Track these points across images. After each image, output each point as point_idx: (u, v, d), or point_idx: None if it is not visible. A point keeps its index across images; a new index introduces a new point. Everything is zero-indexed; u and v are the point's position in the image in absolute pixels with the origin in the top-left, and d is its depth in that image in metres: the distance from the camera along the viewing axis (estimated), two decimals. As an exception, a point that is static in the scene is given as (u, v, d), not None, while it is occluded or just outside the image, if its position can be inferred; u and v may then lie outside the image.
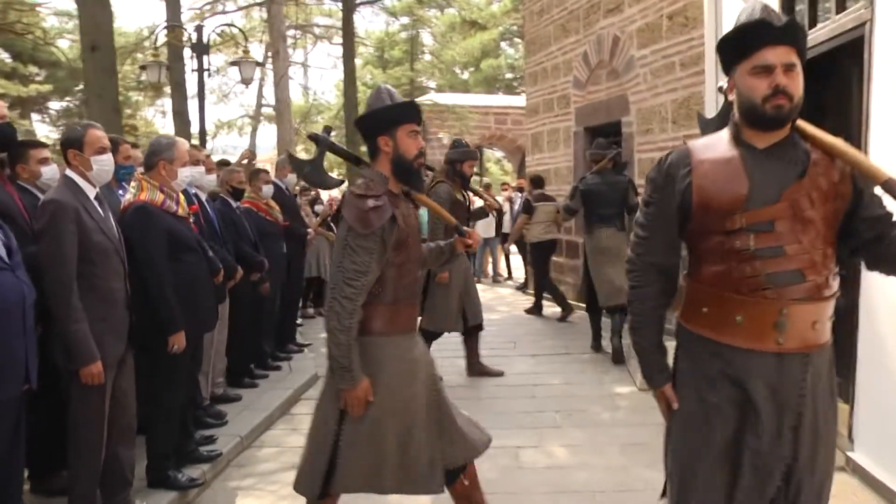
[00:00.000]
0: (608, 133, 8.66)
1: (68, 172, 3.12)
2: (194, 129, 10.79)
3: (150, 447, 3.76)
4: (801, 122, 1.99)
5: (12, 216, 3.12)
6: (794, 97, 1.90)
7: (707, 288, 2.01)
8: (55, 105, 22.04)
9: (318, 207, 10.08)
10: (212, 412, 4.85)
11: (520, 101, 19.96)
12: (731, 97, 2.02)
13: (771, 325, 1.91)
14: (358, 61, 15.30)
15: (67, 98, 21.76)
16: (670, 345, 2.17)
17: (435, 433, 2.68)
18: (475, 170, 6.13)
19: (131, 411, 3.42)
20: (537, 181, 9.66)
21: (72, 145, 3.11)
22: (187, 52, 10.87)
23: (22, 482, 2.75)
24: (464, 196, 5.96)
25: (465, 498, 2.79)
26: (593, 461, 4.21)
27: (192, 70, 10.02)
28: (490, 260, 13.36)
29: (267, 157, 20.20)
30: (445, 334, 5.98)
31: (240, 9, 21.35)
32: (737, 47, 1.95)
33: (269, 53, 17.70)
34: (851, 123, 4.04)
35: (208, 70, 10.09)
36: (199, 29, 10.33)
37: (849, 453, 3.73)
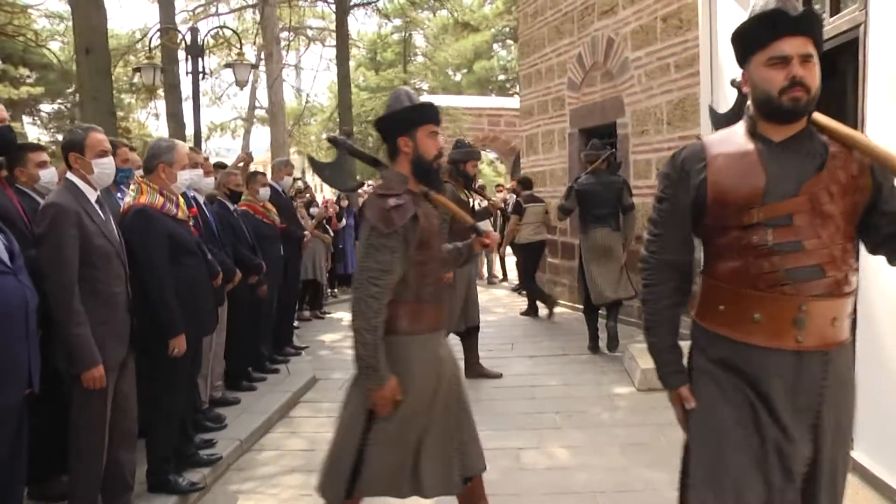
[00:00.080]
0: (603, 135, 8.69)
1: (69, 176, 3.11)
2: (189, 131, 10.78)
3: (150, 451, 3.75)
4: (817, 115, 1.95)
5: (12, 220, 3.11)
6: (812, 89, 1.86)
7: (723, 285, 1.96)
8: (46, 107, 21.93)
9: (313, 210, 10.06)
10: (211, 416, 4.84)
11: (513, 102, 20.01)
12: (746, 90, 1.97)
13: (790, 321, 1.86)
14: (350, 63, 15.27)
15: (59, 100, 21.64)
16: (683, 344, 2.14)
17: (455, 434, 2.69)
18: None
19: (132, 415, 3.41)
20: (526, 183, 9.76)
21: (73, 148, 3.11)
22: (181, 55, 10.85)
23: (24, 487, 2.74)
24: (467, 196, 5.96)
25: (469, 501, 2.80)
26: (593, 462, 4.22)
27: (187, 73, 9.99)
28: (485, 261, 13.36)
29: (261, 159, 20.19)
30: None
31: (232, 11, 21.32)
32: (752, 38, 1.91)
33: (263, 55, 17.66)
34: (846, 125, 4.06)
35: (203, 72, 10.06)
36: (193, 31, 10.29)
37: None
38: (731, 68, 5.60)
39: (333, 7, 15.68)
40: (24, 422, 2.67)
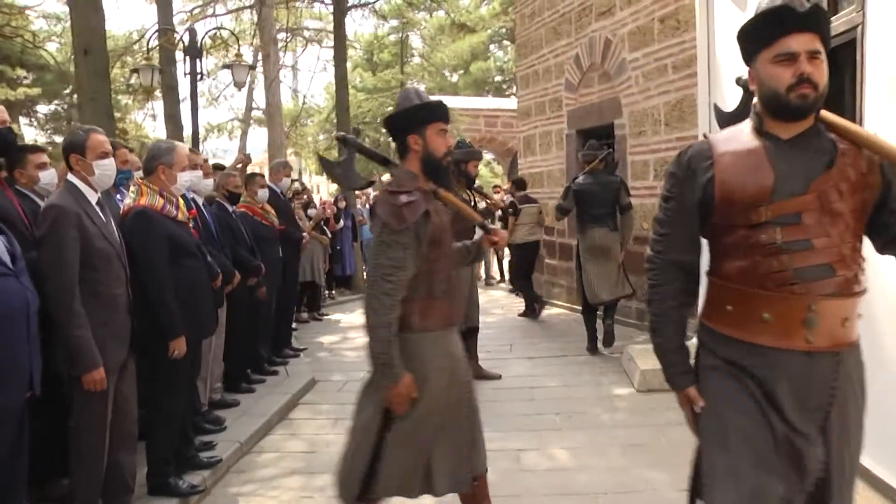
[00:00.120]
0: (600, 135, 8.70)
1: (70, 177, 3.11)
2: (186, 132, 10.76)
3: (150, 453, 3.74)
4: (825, 112, 1.93)
5: (12, 221, 3.10)
6: (819, 85, 1.84)
7: (731, 285, 1.93)
8: (43, 108, 21.91)
9: (311, 211, 10.05)
10: (210, 418, 4.83)
11: (510, 103, 20.03)
12: (753, 88, 1.95)
13: (800, 321, 1.83)
14: (347, 64, 15.26)
15: (56, 101, 21.61)
16: (689, 344, 2.12)
17: (468, 432, 2.70)
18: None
19: (132, 417, 3.41)
20: (520, 183, 9.83)
21: (74, 150, 3.11)
22: (179, 56, 10.83)
23: (25, 489, 2.73)
24: (469, 196, 5.96)
25: (474, 501, 2.80)
26: (594, 463, 4.22)
27: (185, 74, 9.97)
28: (483, 263, 13.37)
29: (258, 160, 20.15)
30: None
31: (230, 12, 21.28)
32: (758, 35, 1.88)
33: (260, 57, 17.65)
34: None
35: (201, 74, 10.05)
36: (191, 32, 10.28)
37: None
38: (728, 69, 5.62)
39: (331, 8, 15.66)
40: (25, 423, 2.67)
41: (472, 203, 6.13)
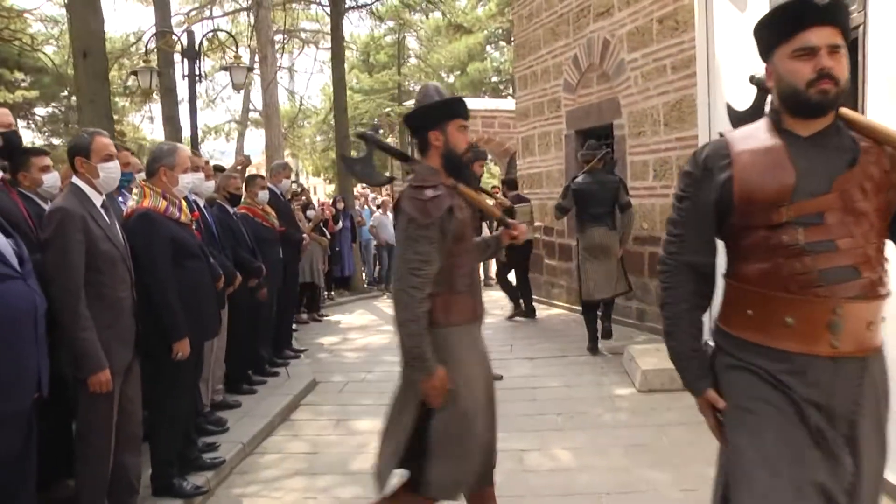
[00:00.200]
0: (599, 136, 8.71)
1: (75, 180, 3.11)
2: (185, 134, 10.75)
3: (154, 454, 3.75)
4: (844, 109, 1.87)
5: (17, 224, 3.10)
6: (840, 81, 1.77)
7: (751, 287, 1.86)
8: (41, 111, 21.91)
9: (309, 212, 10.06)
10: (212, 419, 4.84)
11: (507, 104, 20.03)
12: (770, 84, 1.89)
13: (824, 325, 1.76)
14: (344, 66, 15.29)
15: (53, 104, 21.61)
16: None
17: (494, 427, 2.71)
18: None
19: (137, 419, 3.41)
20: (511, 183, 9.92)
21: (79, 153, 3.11)
22: (177, 57, 10.84)
23: (33, 491, 2.73)
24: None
25: (481, 501, 2.81)
26: (597, 463, 4.23)
27: (184, 76, 9.97)
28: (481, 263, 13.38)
29: (255, 162, 20.12)
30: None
31: (226, 14, 21.28)
32: (776, 29, 1.83)
33: (257, 58, 17.64)
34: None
35: (199, 76, 10.05)
36: (189, 34, 10.28)
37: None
38: (728, 69, 5.64)
39: (328, 10, 15.66)
40: (33, 425, 2.68)
41: None
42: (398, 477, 2.76)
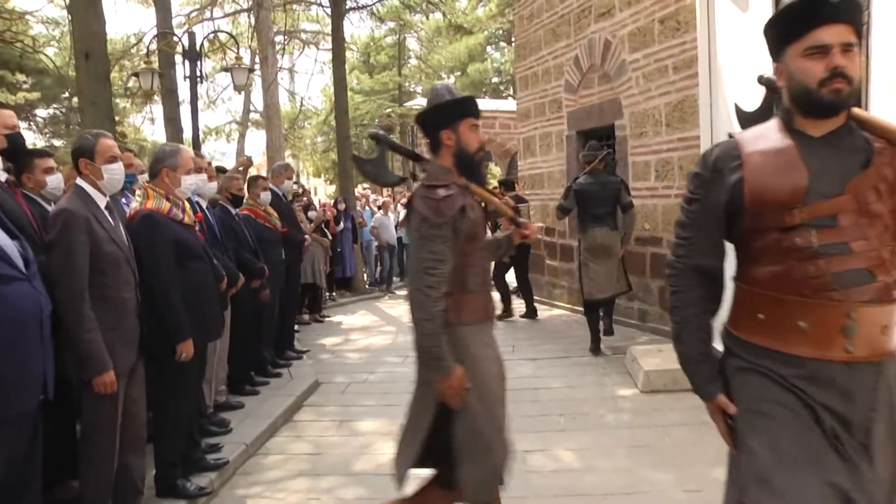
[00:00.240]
0: (601, 136, 8.72)
1: (79, 182, 3.12)
2: (186, 135, 10.77)
3: (157, 455, 3.75)
4: (856, 109, 1.84)
5: (22, 225, 3.11)
6: (853, 80, 1.73)
7: (762, 291, 1.82)
8: (42, 112, 21.93)
9: (311, 213, 10.07)
10: (215, 420, 4.84)
11: (507, 105, 20.04)
12: (781, 84, 1.85)
13: (838, 330, 1.72)
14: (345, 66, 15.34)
15: (54, 105, 21.65)
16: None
17: (507, 426, 2.71)
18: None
19: (141, 420, 3.42)
20: (508, 184, 9.94)
21: (83, 154, 3.12)
22: (178, 59, 10.85)
23: (39, 492, 2.74)
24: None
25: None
26: (600, 464, 4.23)
27: (185, 77, 9.98)
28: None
29: (256, 163, 20.13)
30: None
31: (227, 15, 21.30)
32: (788, 27, 1.79)
33: (258, 59, 17.67)
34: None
35: (200, 77, 10.06)
36: (191, 36, 10.29)
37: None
38: (729, 70, 5.64)
39: (328, 11, 15.68)
40: (39, 427, 2.68)
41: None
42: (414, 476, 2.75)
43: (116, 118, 20.18)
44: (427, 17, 27.72)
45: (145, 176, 4.24)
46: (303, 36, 23.85)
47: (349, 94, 19.57)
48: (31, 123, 21.65)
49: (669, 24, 7.57)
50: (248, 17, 19.81)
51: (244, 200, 6.09)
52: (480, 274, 2.70)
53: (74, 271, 2.95)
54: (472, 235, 2.61)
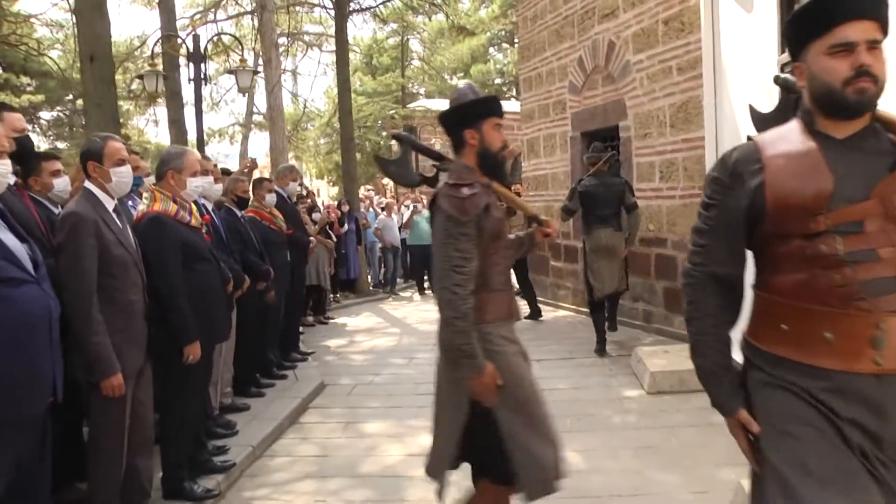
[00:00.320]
0: (605, 138, 8.72)
1: (87, 185, 3.13)
2: (191, 137, 10.78)
3: (164, 457, 3.76)
4: (881, 110, 1.76)
5: (30, 228, 3.11)
6: (879, 79, 1.65)
7: (785, 300, 1.74)
8: (46, 115, 22.00)
9: (315, 215, 10.08)
10: (221, 422, 4.84)
11: (511, 106, 20.01)
12: (802, 83, 1.77)
13: (866, 341, 1.63)
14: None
15: (58, 108, 21.72)
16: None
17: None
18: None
19: (149, 422, 3.43)
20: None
21: (91, 157, 3.13)
22: (182, 61, 10.87)
23: (48, 494, 2.74)
24: None
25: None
26: (607, 465, 4.22)
27: (189, 80, 10.01)
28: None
29: (260, 165, 20.15)
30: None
31: (230, 17, 21.34)
32: (811, 24, 1.70)
33: (262, 61, 17.69)
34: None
35: (205, 79, 10.08)
36: (195, 38, 10.32)
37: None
38: (734, 70, 5.64)
39: (332, 13, 15.70)
40: (48, 429, 2.68)
41: None
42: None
43: (121, 121, 20.26)
44: (430, 19, 27.73)
45: (152, 178, 4.25)
46: (306, 38, 23.88)
47: (352, 95, 19.60)
48: (35, 126, 21.71)
49: (673, 25, 7.57)
50: (252, 19, 19.87)
51: (249, 202, 6.09)
52: (504, 273, 2.70)
53: (83, 274, 2.97)
54: (496, 234, 2.61)
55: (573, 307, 9.72)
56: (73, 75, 14.62)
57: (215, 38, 14.39)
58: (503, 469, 2.55)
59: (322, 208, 11.12)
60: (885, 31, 1.70)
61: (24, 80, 19.07)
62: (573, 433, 4.84)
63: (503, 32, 30.82)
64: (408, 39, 29.09)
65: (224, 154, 30.51)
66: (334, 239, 10.55)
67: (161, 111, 22.33)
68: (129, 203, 4.17)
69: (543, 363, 6.87)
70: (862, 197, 1.66)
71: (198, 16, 20.67)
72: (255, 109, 27.75)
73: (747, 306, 1.92)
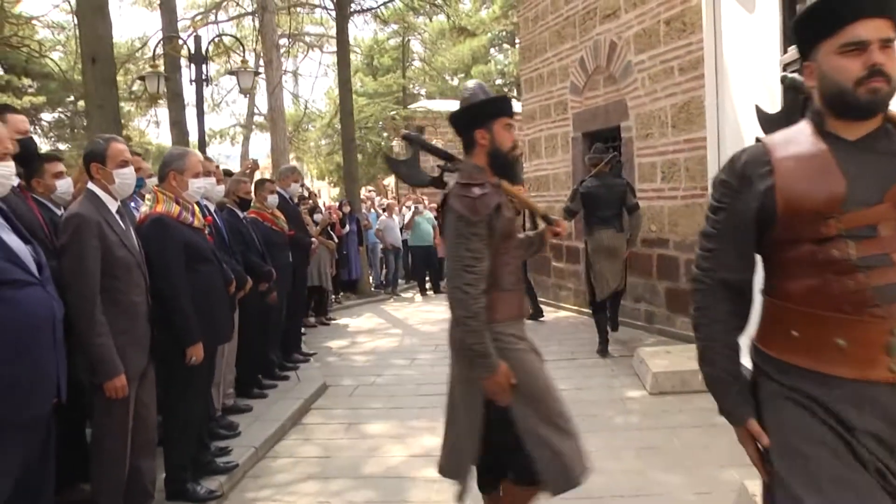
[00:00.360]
0: (607, 138, 8.72)
1: (91, 186, 3.13)
2: (192, 138, 10.79)
3: (167, 459, 3.76)
4: (892, 110, 1.71)
5: (34, 230, 3.12)
6: (892, 79, 1.61)
7: (796, 307, 1.70)
8: (47, 116, 22.02)
9: (317, 216, 10.09)
10: (224, 423, 4.85)
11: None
12: (812, 84, 1.73)
13: (881, 348, 1.58)
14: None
15: (59, 109, 21.74)
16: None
17: None
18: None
19: (152, 424, 3.43)
20: None
21: (94, 159, 3.13)
22: (183, 62, 10.88)
23: (52, 494, 2.75)
24: None
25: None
26: (610, 466, 4.21)
27: (191, 81, 10.01)
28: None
29: (261, 165, 20.16)
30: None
31: (231, 18, 21.36)
32: (821, 22, 1.66)
33: (262, 62, 17.71)
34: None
35: (206, 80, 10.09)
36: (196, 39, 10.32)
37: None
38: (736, 70, 5.64)
39: (333, 13, 15.71)
40: (52, 431, 2.69)
41: None
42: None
43: (122, 122, 20.29)
44: (430, 20, 27.73)
45: (154, 180, 4.25)
46: (307, 39, 23.90)
47: (353, 96, 19.63)
48: (37, 127, 21.73)
49: (675, 26, 7.57)
50: (253, 20, 19.90)
51: (251, 203, 6.10)
52: (514, 272, 2.71)
53: (86, 276, 2.97)
54: (507, 233, 2.62)
55: (575, 308, 9.72)
56: (74, 77, 14.64)
57: (216, 40, 14.43)
58: (524, 468, 2.56)
59: (323, 209, 11.12)
60: None
61: (26, 81, 19.10)
62: (576, 434, 4.84)
63: (504, 33, 30.80)
64: (409, 40, 29.09)
65: (225, 155, 30.46)
66: (336, 240, 10.55)
67: (162, 112, 22.42)
68: (132, 204, 4.17)
69: (545, 364, 6.85)
70: (876, 200, 1.61)
71: (199, 17, 20.69)
72: (256, 110, 27.77)
73: (756, 312, 1.88)
